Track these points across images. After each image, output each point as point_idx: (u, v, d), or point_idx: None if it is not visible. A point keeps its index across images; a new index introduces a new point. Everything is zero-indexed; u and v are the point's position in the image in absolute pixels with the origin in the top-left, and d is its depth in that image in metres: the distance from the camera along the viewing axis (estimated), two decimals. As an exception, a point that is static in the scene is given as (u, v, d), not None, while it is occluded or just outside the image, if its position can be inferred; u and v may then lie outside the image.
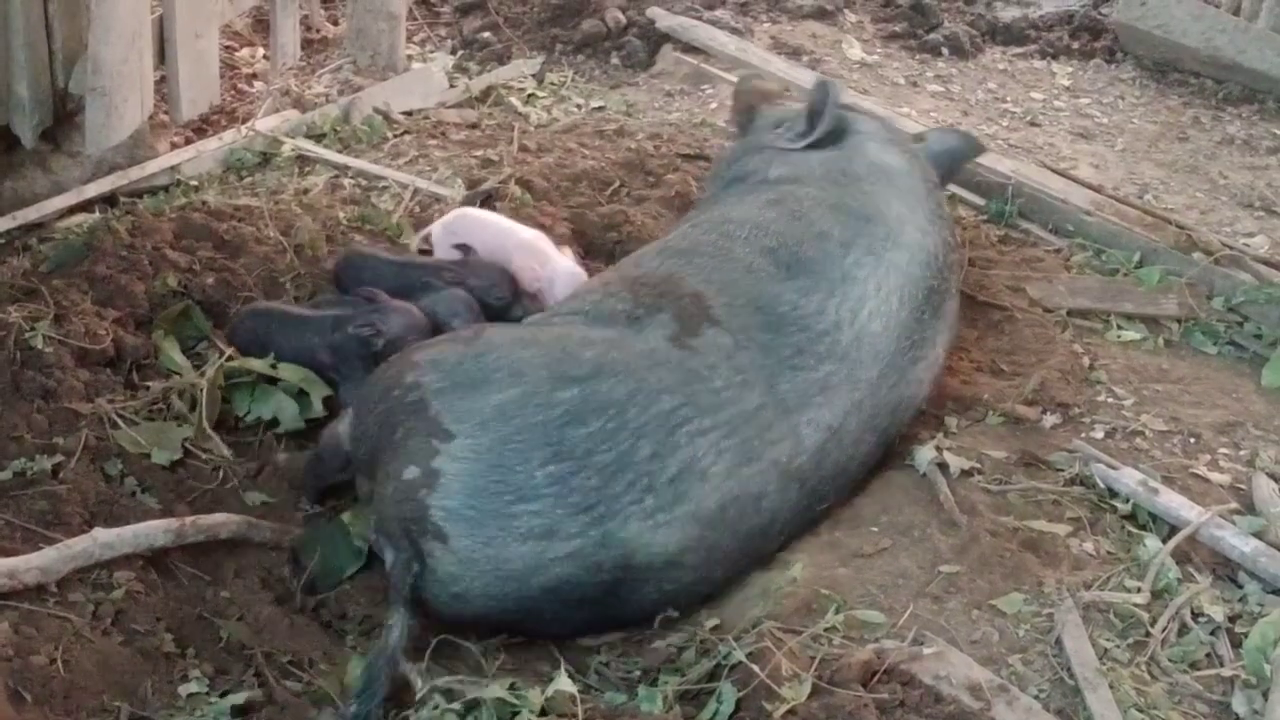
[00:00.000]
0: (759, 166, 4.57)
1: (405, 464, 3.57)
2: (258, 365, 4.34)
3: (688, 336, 3.79)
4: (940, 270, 4.25)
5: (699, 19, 7.08)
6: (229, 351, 4.36)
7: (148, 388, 4.27)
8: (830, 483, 3.87)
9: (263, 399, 4.34)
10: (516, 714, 3.27)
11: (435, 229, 4.89)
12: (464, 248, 4.73)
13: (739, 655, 3.33)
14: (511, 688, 3.35)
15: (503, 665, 3.52)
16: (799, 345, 3.87)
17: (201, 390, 4.22)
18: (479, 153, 5.84)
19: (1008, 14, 7.80)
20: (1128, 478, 3.95)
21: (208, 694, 3.38)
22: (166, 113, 5.76)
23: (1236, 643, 3.49)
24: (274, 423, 4.33)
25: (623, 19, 7.07)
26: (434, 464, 3.53)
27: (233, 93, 6.31)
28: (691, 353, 3.74)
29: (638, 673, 3.55)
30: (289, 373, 4.35)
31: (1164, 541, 3.77)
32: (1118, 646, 3.45)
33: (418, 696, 3.33)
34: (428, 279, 4.56)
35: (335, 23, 7.07)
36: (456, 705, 3.32)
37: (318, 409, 4.34)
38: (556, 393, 3.57)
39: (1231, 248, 5.26)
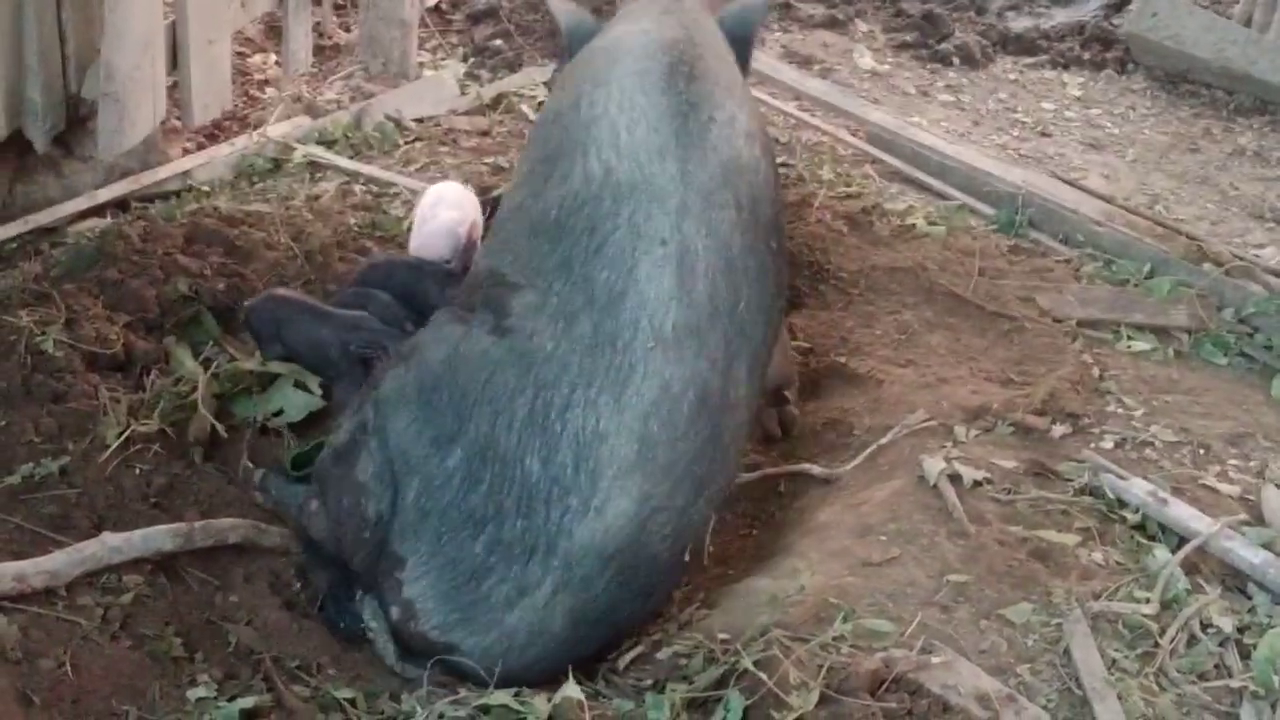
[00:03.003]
0: None
1: (389, 605, 3.61)
2: (250, 365, 4.36)
3: (502, 318, 3.68)
4: None
5: (710, 28, 7.07)
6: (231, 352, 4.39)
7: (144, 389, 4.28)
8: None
9: (266, 396, 4.37)
10: (523, 721, 3.29)
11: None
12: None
13: (747, 663, 3.32)
14: (517, 695, 3.36)
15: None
16: (585, 228, 3.68)
17: (201, 383, 4.24)
18: (490, 160, 5.85)
19: (1019, 24, 7.80)
20: (1137, 488, 3.94)
21: (216, 698, 3.38)
22: (179, 118, 5.77)
23: (1245, 654, 3.48)
24: (279, 414, 4.35)
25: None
26: (405, 595, 3.57)
27: (245, 99, 6.33)
28: (513, 332, 3.63)
29: (646, 680, 3.54)
30: (279, 369, 4.39)
31: (1173, 552, 3.76)
32: (1126, 657, 3.44)
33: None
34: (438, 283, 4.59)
35: (347, 29, 7.08)
36: (462, 714, 3.32)
37: (319, 401, 4.38)
38: (443, 463, 3.56)
39: (1242, 259, 5.26)
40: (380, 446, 3.68)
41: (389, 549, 3.60)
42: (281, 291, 4.55)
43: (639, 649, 3.63)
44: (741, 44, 4.35)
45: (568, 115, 3.92)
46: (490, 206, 5.10)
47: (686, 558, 3.64)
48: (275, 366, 4.39)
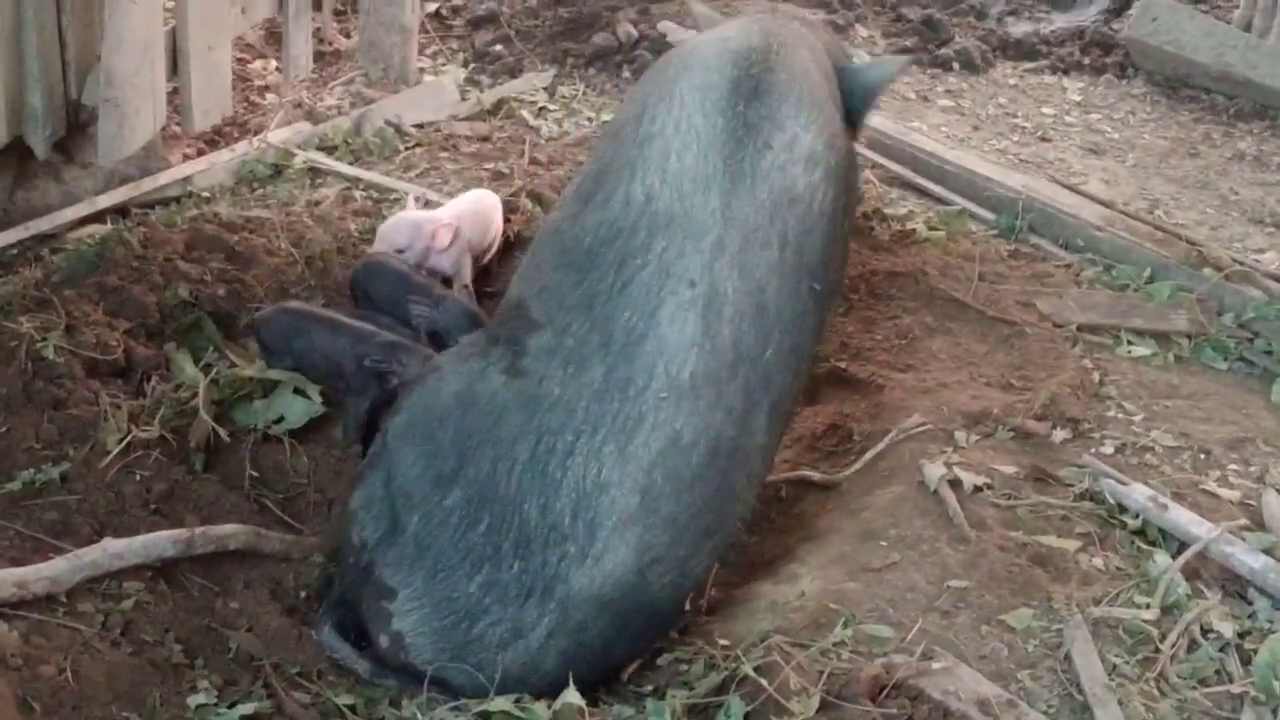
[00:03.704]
0: None
1: (377, 635, 3.59)
2: (250, 371, 4.36)
3: (518, 358, 3.63)
4: None
5: (710, 33, 7.08)
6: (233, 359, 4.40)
7: (145, 395, 4.28)
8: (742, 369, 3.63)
9: (267, 403, 4.36)
10: (523, 727, 3.29)
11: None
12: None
13: (747, 669, 3.32)
14: (518, 702, 3.36)
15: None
16: (614, 261, 3.62)
17: (201, 389, 4.24)
18: (490, 165, 5.85)
19: (1019, 29, 7.81)
20: (1137, 493, 3.94)
21: (216, 705, 3.38)
22: (179, 124, 5.77)
23: (1246, 659, 3.48)
24: (279, 420, 4.35)
25: (634, 33, 7.08)
26: (394, 627, 3.55)
27: (245, 105, 6.33)
28: (524, 375, 3.58)
29: (646, 687, 3.54)
30: (279, 375, 4.39)
31: (1173, 557, 3.76)
32: (1127, 662, 3.44)
33: None
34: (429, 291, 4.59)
35: (347, 35, 7.09)
36: (463, 720, 3.33)
37: (319, 407, 4.37)
38: (444, 502, 3.54)
39: (1242, 263, 5.26)
40: (383, 478, 3.68)
41: (381, 579, 3.58)
42: (293, 304, 4.55)
43: (640, 657, 3.63)
44: (858, 100, 4.27)
45: (628, 129, 3.86)
46: None
47: (688, 606, 3.61)
48: (275, 373, 4.39)
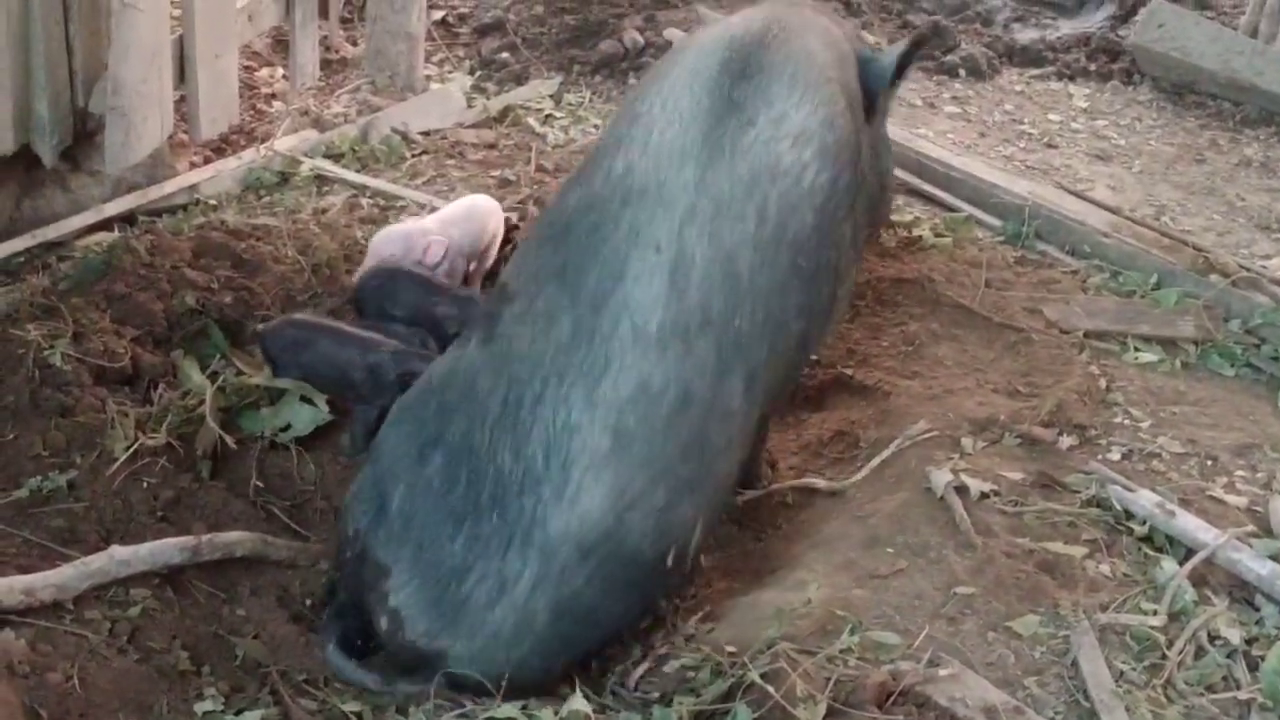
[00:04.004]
0: None
1: (377, 618, 3.60)
2: (257, 379, 4.36)
3: (492, 328, 3.69)
4: None
5: (716, 40, 7.08)
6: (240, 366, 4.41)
7: (152, 403, 4.28)
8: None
9: (274, 411, 4.36)
10: (530, 735, 3.29)
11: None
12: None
13: (754, 676, 3.32)
14: (524, 709, 3.36)
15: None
16: (588, 230, 3.66)
17: (208, 396, 4.25)
18: (496, 173, 5.85)
19: (1025, 36, 7.80)
20: (1144, 500, 3.94)
21: (223, 712, 3.39)
22: (186, 132, 5.79)
23: (1253, 666, 3.48)
24: (286, 428, 4.35)
25: (640, 40, 7.08)
26: (391, 605, 3.56)
27: (252, 113, 6.34)
28: (496, 340, 3.65)
29: (653, 694, 3.54)
30: (286, 384, 4.40)
31: (1181, 564, 3.75)
32: (1134, 669, 3.44)
33: None
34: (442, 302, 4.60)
35: (354, 43, 7.10)
36: (469, 727, 3.34)
37: (326, 415, 4.38)
38: (424, 470, 3.58)
39: (1249, 270, 5.25)
40: (372, 466, 3.73)
41: (375, 560, 3.60)
42: (298, 316, 4.55)
43: (646, 663, 3.63)
44: (881, 80, 4.24)
45: (622, 112, 3.91)
46: None
47: (670, 562, 3.59)
48: (282, 381, 4.39)
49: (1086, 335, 4.85)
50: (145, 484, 4.02)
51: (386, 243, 4.79)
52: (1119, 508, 3.96)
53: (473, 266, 4.99)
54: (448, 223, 4.93)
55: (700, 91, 3.75)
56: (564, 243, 3.65)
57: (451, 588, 3.48)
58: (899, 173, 5.93)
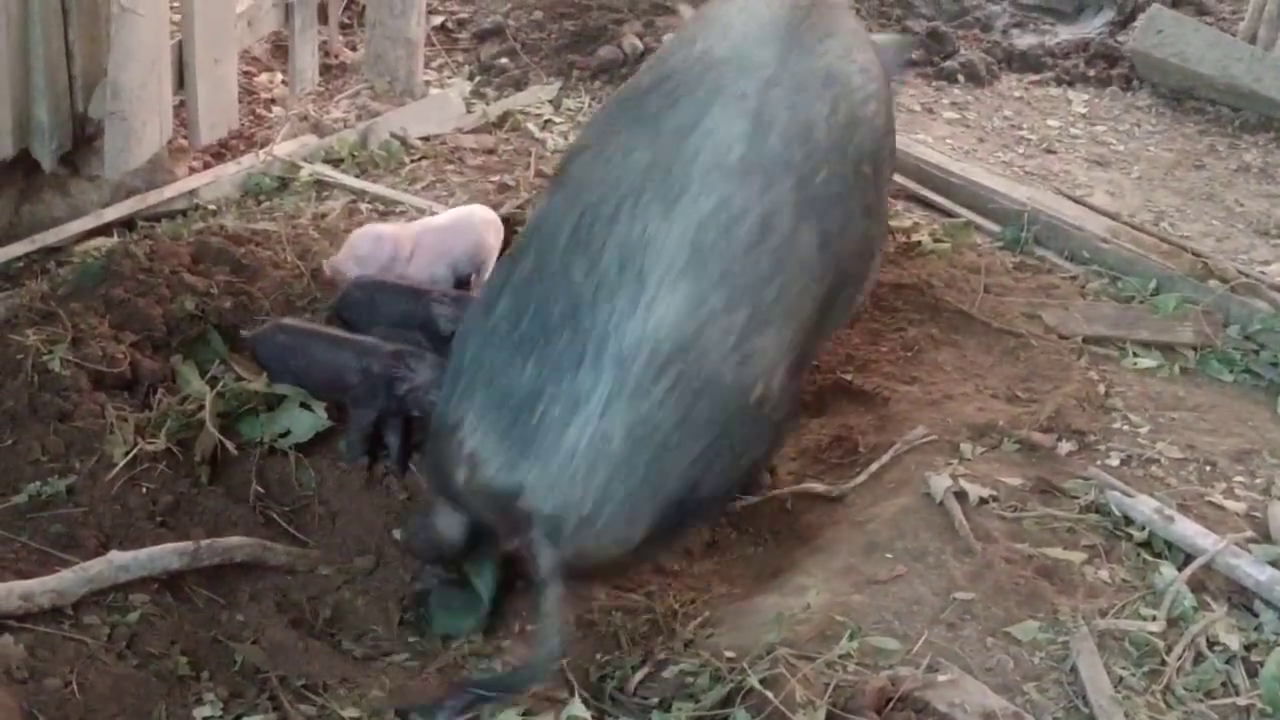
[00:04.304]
0: None
1: (455, 474, 3.51)
2: (256, 385, 4.36)
3: (562, 173, 3.75)
4: None
5: (715, 46, 7.08)
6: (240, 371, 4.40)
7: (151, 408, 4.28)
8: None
9: (273, 416, 4.36)
10: (529, 740, 3.29)
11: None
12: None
13: (753, 682, 3.32)
14: (525, 714, 3.35)
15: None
16: (666, 92, 3.68)
17: (208, 401, 4.24)
18: (496, 178, 5.85)
19: (1024, 41, 7.81)
20: (1143, 505, 3.94)
21: (221, 717, 3.40)
22: (185, 137, 5.79)
23: (1252, 672, 3.48)
24: (285, 434, 4.34)
25: (640, 45, 7.08)
26: (466, 450, 3.47)
27: (251, 118, 6.34)
28: (567, 183, 3.65)
29: (652, 699, 3.53)
30: (285, 390, 4.38)
31: (1179, 569, 3.76)
32: (1133, 675, 3.44)
33: None
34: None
35: (354, 48, 7.10)
36: (468, 731, 3.34)
37: (326, 421, 4.36)
38: (490, 318, 3.53)
39: (1248, 275, 5.25)
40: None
41: (450, 419, 3.51)
42: (288, 321, 4.55)
43: (645, 668, 3.62)
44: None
45: (686, 28, 3.97)
46: None
47: (754, 399, 3.44)
48: (281, 387, 4.38)
49: (1085, 341, 4.85)
50: (144, 489, 4.01)
51: (360, 241, 4.77)
52: (1118, 513, 3.96)
53: (472, 278, 4.96)
54: (432, 229, 4.91)
55: (777, 5, 3.85)
56: (641, 102, 3.65)
57: (523, 416, 3.36)
58: (898, 178, 5.94)
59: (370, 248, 4.72)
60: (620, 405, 3.30)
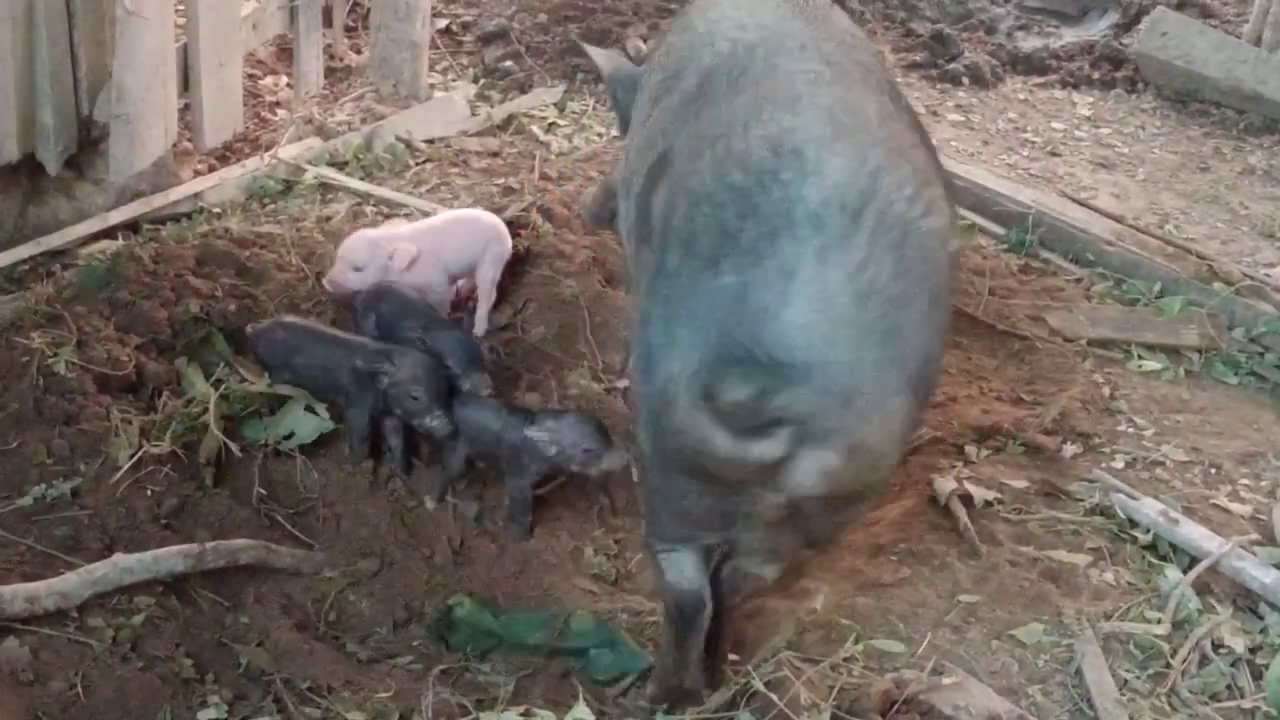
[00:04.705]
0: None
1: (709, 439, 3.17)
2: (258, 387, 4.36)
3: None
4: None
5: (720, 48, 7.08)
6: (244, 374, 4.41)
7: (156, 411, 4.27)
8: None
9: (277, 419, 4.36)
10: (532, 742, 3.29)
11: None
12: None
13: (758, 684, 3.32)
14: (526, 714, 3.35)
15: (515, 692, 3.53)
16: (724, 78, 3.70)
17: (212, 404, 4.24)
18: (500, 181, 5.85)
19: (1028, 44, 7.80)
20: (1148, 508, 3.94)
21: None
22: (190, 140, 5.79)
23: (1257, 674, 3.48)
24: (289, 436, 4.34)
25: (644, 48, 7.08)
26: (664, 373, 3.24)
27: (256, 121, 6.34)
28: (673, 159, 3.56)
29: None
30: (289, 392, 4.38)
31: (1184, 572, 3.76)
32: (1138, 677, 3.44)
33: None
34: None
35: (358, 51, 7.10)
36: (469, 734, 3.33)
37: (329, 424, 4.35)
38: (668, 256, 3.36)
39: (1253, 278, 5.25)
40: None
41: (675, 394, 3.20)
42: (288, 318, 4.55)
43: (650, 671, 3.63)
44: None
45: (679, 39, 3.94)
46: None
47: (952, 248, 3.30)
48: (285, 389, 4.38)
49: (1090, 343, 4.85)
50: (149, 492, 4.01)
51: (353, 248, 4.74)
52: (1123, 516, 3.96)
53: (462, 282, 4.93)
54: (425, 231, 4.87)
55: None
56: (703, 91, 3.62)
57: (740, 321, 3.11)
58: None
59: (368, 254, 4.69)
60: (832, 258, 3.09)
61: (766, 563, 3.45)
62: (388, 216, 5.48)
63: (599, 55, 4.59)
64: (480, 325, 4.76)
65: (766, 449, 3.05)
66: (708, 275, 3.18)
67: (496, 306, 4.84)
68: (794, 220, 3.10)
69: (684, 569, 3.43)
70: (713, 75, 3.65)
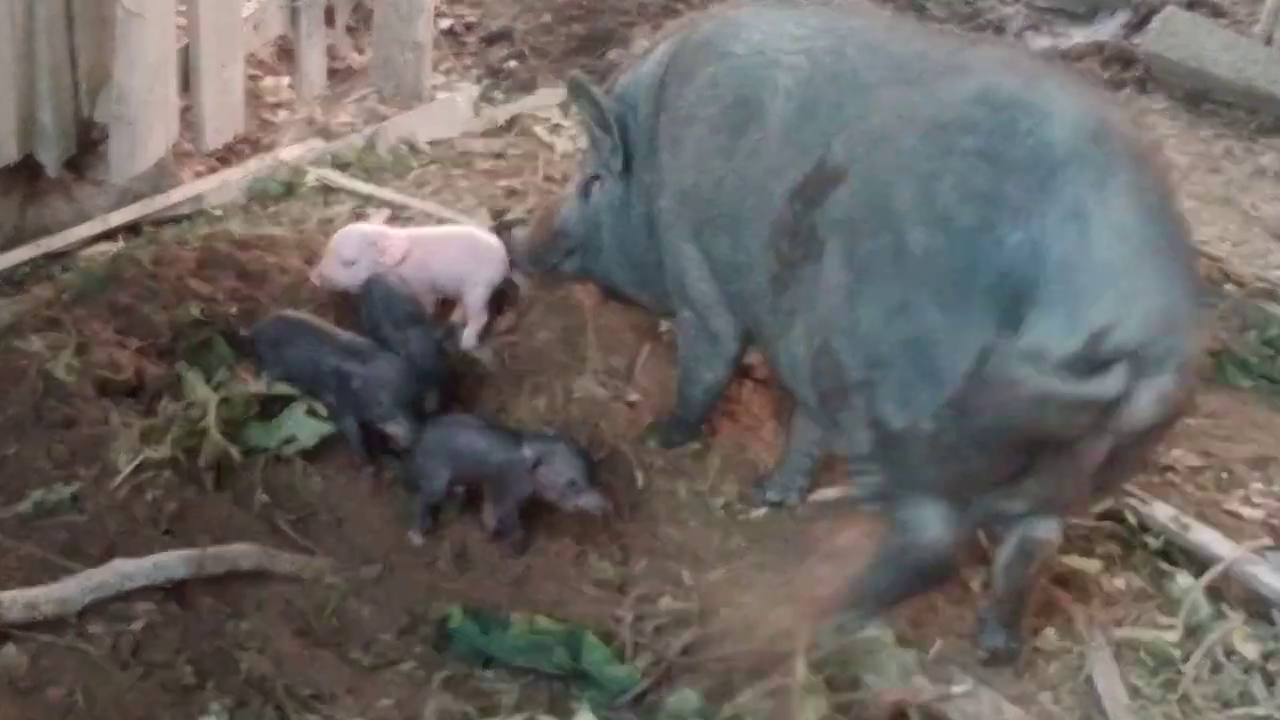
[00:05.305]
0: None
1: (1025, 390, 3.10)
2: (256, 387, 4.33)
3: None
4: None
5: (724, 49, 7.07)
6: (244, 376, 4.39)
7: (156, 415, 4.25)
8: None
9: (279, 423, 4.33)
10: (538, 747, 3.27)
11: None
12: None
13: (764, 691, 3.30)
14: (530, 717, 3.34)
15: (518, 699, 3.51)
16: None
17: (212, 408, 4.21)
18: (504, 182, 5.85)
19: (1038, 44, 7.77)
20: (1160, 513, 3.93)
21: (227, 727, 3.37)
22: (191, 141, 5.79)
23: (1270, 681, 3.49)
24: (290, 440, 4.31)
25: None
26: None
27: (257, 122, 6.32)
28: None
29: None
30: (287, 391, 4.35)
31: (1196, 578, 3.75)
32: (1149, 684, 3.44)
33: None
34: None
35: (361, 52, 7.08)
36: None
37: (330, 427, 4.32)
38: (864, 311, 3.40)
39: (1265, 280, 5.24)
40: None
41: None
42: (289, 312, 4.54)
43: (655, 676, 3.59)
44: None
45: (719, 68, 3.96)
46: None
47: None
48: (286, 391, 4.36)
49: (1100, 345, 4.82)
50: (149, 497, 3.99)
51: (344, 242, 4.71)
52: (1134, 521, 3.95)
53: (439, 302, 4.85)
54: (420, 238, 4.82)
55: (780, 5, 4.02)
56: (818, 100, 3.70)
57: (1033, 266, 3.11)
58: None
59: (359, 248, 4.66)
60: (1112, 187, 3.14)
61: (1055, 521, 3.46)
62: (391, 218, 5.47)
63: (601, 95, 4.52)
64: (469, 342, 4.70)
65: (1108, 387, 3.03)
66: (986, 242, 3.15)
67: (499, 312, 4.79)
68: (1058, 163, 3.14)
69: (934, 525, 3.40)
70: (812, 83, 3.70)
